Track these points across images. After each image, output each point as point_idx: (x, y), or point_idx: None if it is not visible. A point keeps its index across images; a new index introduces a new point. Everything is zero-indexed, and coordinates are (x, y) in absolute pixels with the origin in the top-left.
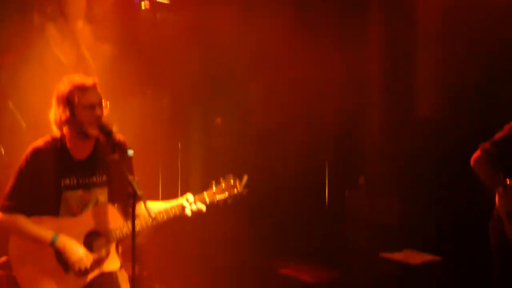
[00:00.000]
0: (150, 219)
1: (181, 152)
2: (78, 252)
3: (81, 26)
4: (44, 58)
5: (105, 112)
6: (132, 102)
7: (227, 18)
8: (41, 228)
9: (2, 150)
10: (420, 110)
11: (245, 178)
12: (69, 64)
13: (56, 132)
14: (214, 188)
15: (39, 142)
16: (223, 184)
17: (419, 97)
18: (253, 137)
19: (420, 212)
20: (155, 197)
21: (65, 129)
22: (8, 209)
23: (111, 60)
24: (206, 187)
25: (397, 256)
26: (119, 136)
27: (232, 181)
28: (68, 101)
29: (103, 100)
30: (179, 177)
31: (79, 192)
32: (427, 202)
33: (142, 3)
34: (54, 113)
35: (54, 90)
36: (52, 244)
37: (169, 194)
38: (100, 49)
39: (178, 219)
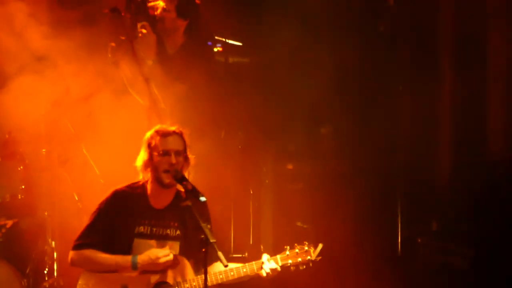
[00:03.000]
0: (220, 276)
1: (253, 198)
2: (159, 253)
3: (152, 66)
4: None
5: (186, 162)
6: (204, 144)
7: (299, 60)
8: (117, 255)
9: (76, 196)
10: (492, 152)
11: (319, 246)
12: (143, 107)
13: (142, 178)
14: (287, 252)
15: (122, 185)
16: (297, 250)
17: (491, 139)
18: (324, 182)
19: (493, 257)
20: (227, 244)
21: (148, 175)
22: (80, 247)
23: (184, 101)
24: (277, 234)
25: None
26: (192, 183)
27: (306, 247)
28: (148, 146)
29: (186, 150)
30: (251, 224)
31: (151, 242)
32: (500, 247)
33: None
34: (139, 158)
35: (127, 134)
36: (134, 263)
37: (241, 241)
38: (172, 90)
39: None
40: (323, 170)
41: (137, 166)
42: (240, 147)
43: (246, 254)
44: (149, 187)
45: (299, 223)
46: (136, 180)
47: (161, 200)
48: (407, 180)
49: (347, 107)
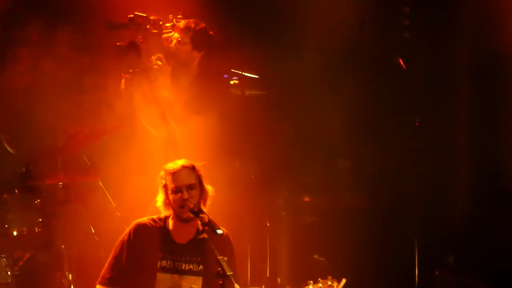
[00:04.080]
0: None
1: (270, 230)
2: None
3: (167, 98)
4: (134, 132)
5: (203, 193)
6: (219, 173)
7: (316, 93)
8: None
9: (92, 229)
10: (508, 185)
11: (343, 281)
12: (158, 140)
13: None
14: (311, 286)
15: (144, 219)
16: (321, 284)
17: (507, 172)
18: (341, 215)
19: None
20: (244, 277)
21: (169, 212)
22: (106, 283)
23: (199, 132)
24: (294, 267)
25: None
26: (209, 215)
27: (329, 282)
28: (162, 185)
29: (201, 182)
30: (268, 256)
31: (174, 277)
32: None
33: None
34: (158, 197)
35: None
36: None
37: (258, 274)
38: (188, 121)
39: None
40: (340, 203)
41: (158, 207)
42: (253, 176)
43: (263, 287)
44: (171, 222)
45: (316, 256)
46: (157, 214)
47: (183, 235)
48: (424, 213)
49: (364, 140)
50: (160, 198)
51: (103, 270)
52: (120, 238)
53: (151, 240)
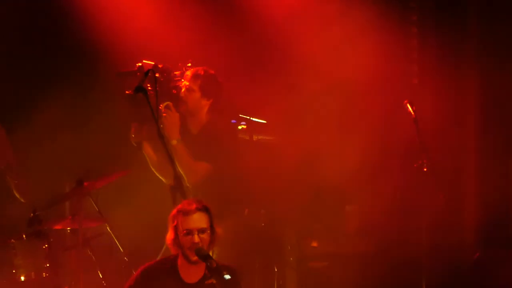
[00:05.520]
0: None
1: (278, 275)
2: None
3: (175, 146)
4: (142, 180)
5: (212, 237)
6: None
7: (324, 139)
8: None
9: (100, 274)
10: None
11: None
12: (166, 185)
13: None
14: None
15: (152, 262)
16: None
17: None
18: (349, 260)
19: None
20: None
21: (177, 252)
22: None
23: (207, 179)
24: None
25: None
26: (216, 260)
27: None
28: (173, 225)
29: (212, 225)
30: None
31: None
32: None
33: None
34: (168, 236)
35: (151, 213)
36: None
37: None
38: (196, 169)
39: None
40: (348, 249)
41: (167, 244)
42: (263, 224)
43: None
44: (179, 261)
45: None
46: (166, 256)
47: (192, 275)
48: (432, 258)
49: (371, 186)
50: (169, 237)
51: None
52: (127, 284)
53: (159, 281)
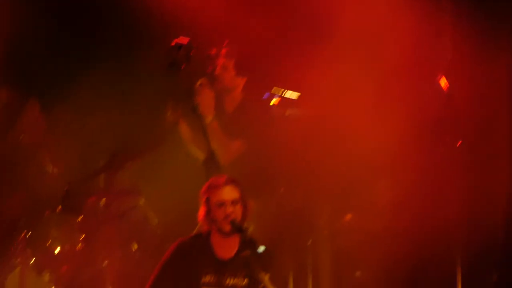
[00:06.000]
0: None
1: (311, 249)
2: None
3: (210, 123)
4: (176, 155)
5: (243, 209)
6: (262, 200)
7: (358, 113)
8: None
9: (134, 247)
10: None
11: None
12: (200, 161)
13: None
14: None
15: (185, 237)
16: None
17: None
18: (382, 235)
19: None
20: None
21: (210, 227)
22: None
23: (242, 157)
24: (336, 285)
25: None
26: (252, 233)
27: None
28: (205, 199)
29: (241, 197)
30: (310, 275)
31: None
32: None
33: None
34: (199, 212)
35: (184, 187)
36: None
37: None
38: (230, 147)
39: None
40: (382, 223)
41: (199, 221)
42: (299, 204)
43: None
44: (213, 238)
45: (357, 275)
46: (199, 232)
47: (226, 250)
48: (467, 230)
49: (406, 160)
50: (201, 213)
51: None
52: (162, 260)
53: (193, 257)
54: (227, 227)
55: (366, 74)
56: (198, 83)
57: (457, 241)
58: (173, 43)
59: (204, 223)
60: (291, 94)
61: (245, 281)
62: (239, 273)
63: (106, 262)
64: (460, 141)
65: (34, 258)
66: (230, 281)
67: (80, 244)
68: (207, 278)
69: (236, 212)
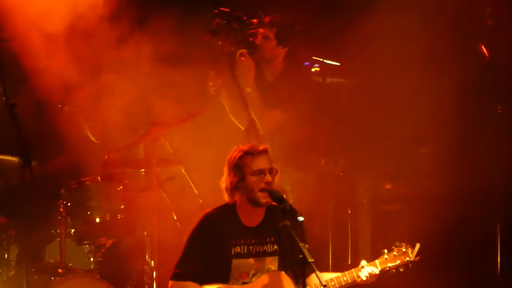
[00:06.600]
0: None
1: (351, 218)
2: None
3: (251, 93)
4: (217, 123)
5: (276, 178)
6: (303, 172)
7: (398, 81)
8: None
9: (174, 216)
10: None
11: (417, 246)
12: (241, 130)
13: (222, 197)
14: (386, 255)
15: (211, 209)
16: (395, 252)
17: None
18: (422, 202)
19: None
20: (325, 264)
21: (237, 196)
22: (179, 277)
23: (282, 128)
24: (375, 253)
25: None
26: (290, 202)
27: (404, 249)
28: (238, 166)
29: (273, 167)
30: (349, 244)
31: (250, 260)
32: None
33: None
34: (225, 179)
35: (226, 156)
36: None
37: (339, 261)
38: (271, 117)
39: None
40: (421, 191)
41: (224, 188)
42: (341, 174)
43: None
44: (239, 207)
45: (397, 243)
46: (223, 203)
47: (253, 218)
48: (506, 200)
49: (446, 127)
50: (229, 180)
51: (176, 264)
52: (190, 233)
53: (221, 229)
54: (264, 198)
55: (406, 42)
56: (239, 53)
57: (497, 206)
58: (215, 11)
59: (233, 191)
60: (332, 62)
61: (275, 247)
62: (269, 239)
63: (145, 232)
64: (500, 107)
65: (73, 229)
66: (260, 249)
67: (119, 214)
68: (238, 249)
69: (272, 181)
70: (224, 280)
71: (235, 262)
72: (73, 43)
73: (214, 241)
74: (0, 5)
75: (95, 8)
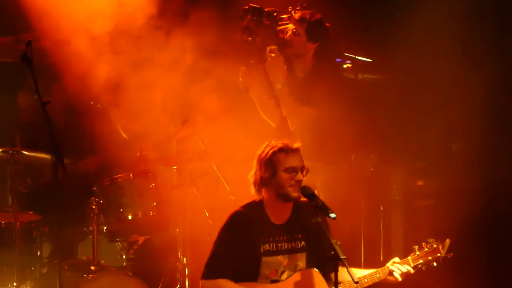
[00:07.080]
0: (355, 285)
1: (383, 215)
2: None
3: (281, 90)
4: (248, 120)
5: (306, 176)
6: (334, 168)
7: (430, 77)
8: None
9: (206, 213)
10: None
11: (447, 242)
12: (271, 126)
13: (254, 195)
14: (417, 252)
15: (239, 207)
16: (426, 249)
17: None
18: (455, 198)
19: None
20: (357, 261)
21: (264, 192)
22: (210, 275)
23: (313, 124)
24: (408, 250)
25: None
26: (321, 199)
27: (435, 245)
28: (270, 162)
29: (305, 167)
30: (382, 241)
31: (279, 258)
32: None
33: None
34: (255, 174)
35: (256, 152)
36: None
37: (372, 258)
38: (301, 113)
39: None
40: (454, 187)
41: (252, 182)
42: (372, 169)
43: None
44: (266, 204)
45: (430, 240)
46: (250, 200)
47: (281, 215)
48: None
49: (478, 124)
50: (257, 174)
51: (206, 263)
52: (219, 232)
53: (250, 227)
54: (295, 192)
55: (441, 37)
56: (269, 49)
57: None
58: (246, 7)
59: (261, 186)
60: (364, 59)
61: (302, 243)
62: (296, 235)
63: (177, 229)
64: None
65: (106, 226)
66: (288, 246)
67: (152, 211)
68: (266, 247)
69: (302, 178)
70: (253, 277)
71: (265, 259)
72: (117, 42)
73: (243, 239)
74: (43, 6)
75: (141, 7)
